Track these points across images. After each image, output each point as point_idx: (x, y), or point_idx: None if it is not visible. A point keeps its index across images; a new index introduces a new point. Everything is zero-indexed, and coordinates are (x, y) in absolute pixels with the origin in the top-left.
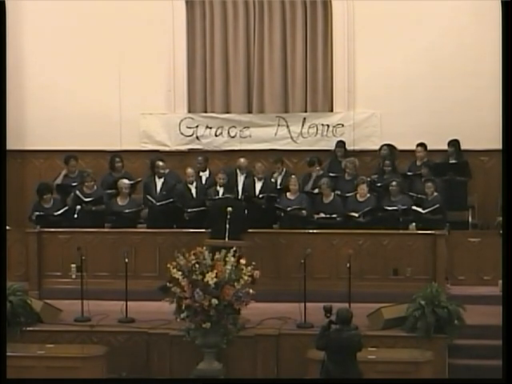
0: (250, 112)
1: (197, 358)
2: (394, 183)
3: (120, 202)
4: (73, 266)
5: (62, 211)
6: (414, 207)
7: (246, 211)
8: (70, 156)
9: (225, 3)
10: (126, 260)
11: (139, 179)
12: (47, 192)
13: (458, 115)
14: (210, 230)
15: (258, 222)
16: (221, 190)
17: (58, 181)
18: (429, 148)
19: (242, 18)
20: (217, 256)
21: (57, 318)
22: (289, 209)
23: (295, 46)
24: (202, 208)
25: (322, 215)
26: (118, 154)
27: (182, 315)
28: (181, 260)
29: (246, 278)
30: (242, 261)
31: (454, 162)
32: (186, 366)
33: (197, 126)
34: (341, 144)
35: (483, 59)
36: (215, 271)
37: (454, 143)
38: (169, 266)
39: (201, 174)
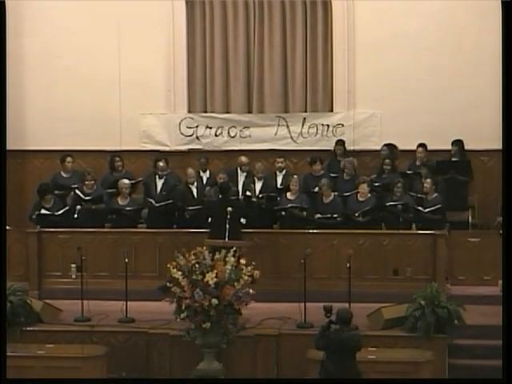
0: (250, 112)
1: (197, 358)
2: (399, 184)
3: (120, 201)
4: (73, 265)
5: (62, 211)
6: (415, 206)
7: (245, 211)
8: (66, 154)
9: (225, 3)
10: (126, 260)
11: (140, 179)
12: (48, 192)
13: (458, 115)
14: (208, 230)
15: (258, 222)
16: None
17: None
18: (429, 148)
19: (242, 18)
20: (217, 256)
21: (57, 318)
22: (289, 205)
23: (295, 46)
24: (201, 207)
25: (319, 215)
26: (117, 153)
27: (182, 315)
28: (181, 260)
29: (245, 277)
30: (242, 261)
31: (456, 160)
32: (186, 365)
33: (197, 126)
34: (340, 143)
35: (483, 59)
36: (215, 271)
37: (458, 143)
38: (169, 265)
39: (201, 174)
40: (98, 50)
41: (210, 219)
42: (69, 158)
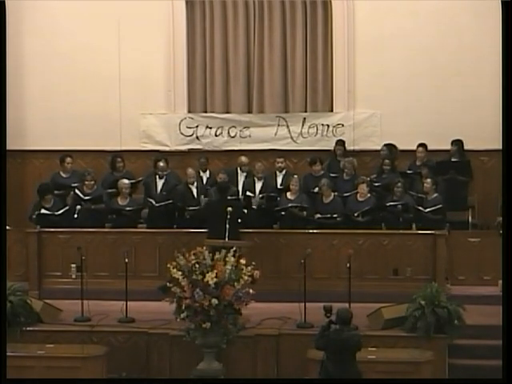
0: (250, 112)
1: (197, 358)
2: (399, 184)
3: (120, 201)
4: (73, 266)
5: (62, 211)
6: (416, 206)
7: (243, 211)
8: (65, 155)
9: (225, 3)
10: (126, 260)
11: (140, 179)
12: (48, 192)
13: (458, 115)
14: (206, 230)
15: (258, 222)
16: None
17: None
18: (429, 148)
19: (242, 18)
20: (217, 256)
21: (57, 318)
22: (289, 205)
23: (295, 46)
24: (201, 207)
25: (319, 215)
26: (119, 153)
27: (182, 315)
28: (181, 260)
29: (245, 277)
30: (242, 261)
31: (455, 160)
32: (186, 365)
33: (197, 126)
34: (340, 143)
35: (483, 59)
36: (215, 271)
37: (458, 143)
38: (169, 265)
39: (201, 174)
40: (98, 49)
41: (208, 219)
42: (68, 159)
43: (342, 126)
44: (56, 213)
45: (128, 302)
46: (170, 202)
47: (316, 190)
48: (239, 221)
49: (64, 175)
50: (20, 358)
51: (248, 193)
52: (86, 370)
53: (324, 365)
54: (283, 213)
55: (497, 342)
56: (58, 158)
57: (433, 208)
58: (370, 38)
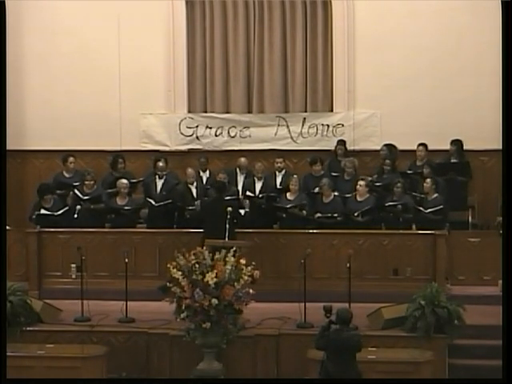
0: (250, 112)
1: (197, 357)
2: (398, 184)
3: (119, 201)
4: (73, 265)
5: (62, 211)
6: (415, 206)
7: (239, 211)
8: (68, 154)
9: (225, 3)
10: (126, 260)
11: (141, 179)
12: (48, 192)
13: (458, 115)
14: (203, 230)
15: (258, 222)
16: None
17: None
18: (429, 148)
19: (242, 18)
20: (217, 256)
21: (57, 318)
22: (289, 206)
23: (295, 46)
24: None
25: (319, 215)
26: (120, 154)
27: (182, 315)
28: (181, 260)
29: (245, 277)
30: (242, 261)
31: (455, 161)
32: (186, 365)
33: (197, 126)
34: (341, 143)
35: (483, 59)
36: (215, 271)
37: (457, 143)
38: (169, 265)
39: (201, 174)
40: (97, 50)
41: (205, 219)
42: (71, 159)
43: (342, 126)
44: (56, 213)
45: (128, 302)
46: (170, 201)
47: (316, 189)
48: (235, 221)
49: (67, 175)
50: (20, 358)
51: (248, 193)
52: (86, 370)
53: (324, 365)
54: (284, 215)
55: (497, 341)
56: (61, 158)
57: (434, 209)
58: (369, 38)
